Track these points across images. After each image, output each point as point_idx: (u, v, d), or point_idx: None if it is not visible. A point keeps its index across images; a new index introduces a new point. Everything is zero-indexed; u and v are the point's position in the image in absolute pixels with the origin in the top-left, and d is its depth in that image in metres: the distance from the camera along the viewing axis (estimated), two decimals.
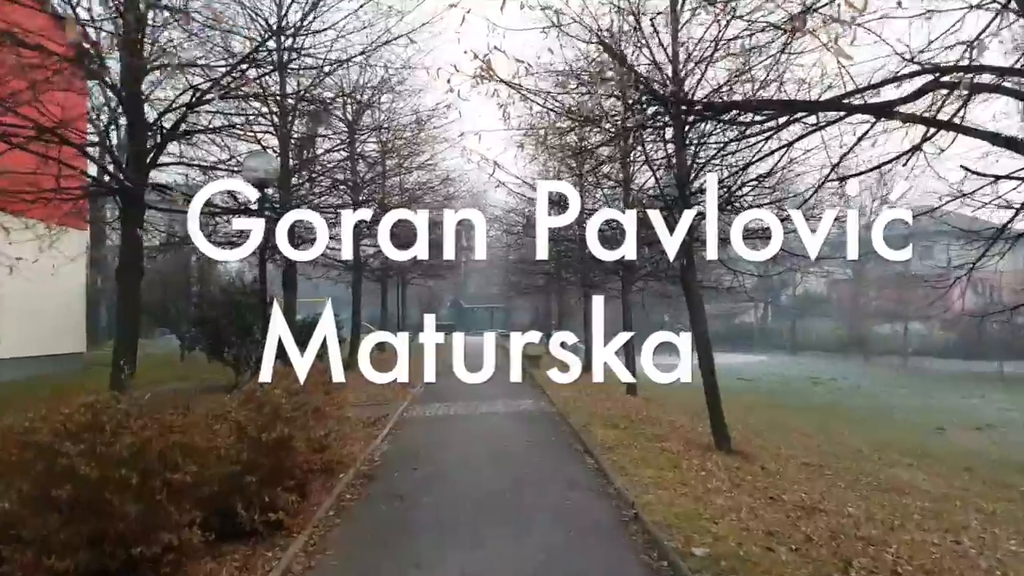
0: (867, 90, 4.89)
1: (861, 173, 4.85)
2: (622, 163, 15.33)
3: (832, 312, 59.11)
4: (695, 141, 10.41)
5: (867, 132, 4.86)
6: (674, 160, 10.66)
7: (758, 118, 5.32)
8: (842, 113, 4.93)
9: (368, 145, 21.70)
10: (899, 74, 4.83)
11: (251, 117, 10.47)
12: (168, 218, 17.33)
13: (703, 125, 9.85)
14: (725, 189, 10.26)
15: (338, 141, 18.02)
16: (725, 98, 7.03)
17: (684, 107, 5.47)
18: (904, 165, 4.80)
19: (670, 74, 9.25)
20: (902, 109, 4.76)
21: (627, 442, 9.90)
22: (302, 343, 16.13)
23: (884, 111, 4.51)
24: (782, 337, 59.10)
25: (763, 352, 54.10)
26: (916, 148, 4.64)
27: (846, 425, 19.99)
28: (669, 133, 10.52)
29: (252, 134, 12.71)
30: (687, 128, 9.89)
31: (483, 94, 5.71)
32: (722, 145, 9.79)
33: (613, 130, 7.43)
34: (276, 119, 14.66)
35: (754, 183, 9.79)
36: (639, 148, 10.98)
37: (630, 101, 5.61)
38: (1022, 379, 35.40)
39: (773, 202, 10.82)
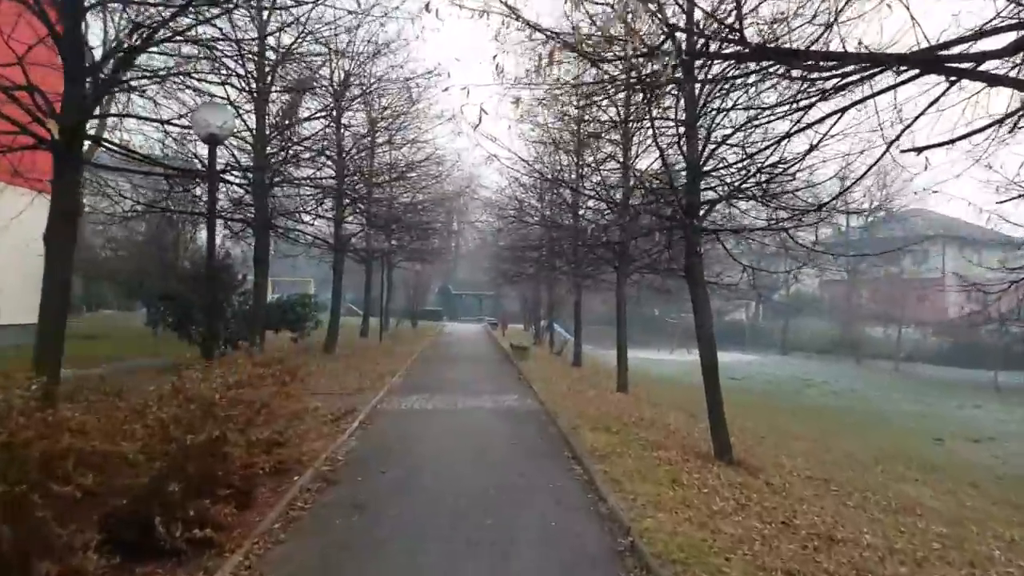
0: (947, 46, 3.87)
1: (945, 143, 3.85)
2: (624, 142, 14.28)
3: (824, 312, 58.64)
4: (716, 106, 9.32)
5: (945, 92, 3.86)
6: (682, 137, 9.64)
7: (813, 76, 4.31)
8: (916, 72, 3.92)
9: (357, 117, 20.60)
10: (989, 27, 3.81)
11: (217, 66, 9.23)
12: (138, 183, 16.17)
13: (723, 92, 8.82)
14: (743, 171, 9.23)
15: (321, 108, 16.82)
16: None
17: (727, 44, 4.39)
18: (1012, 132, 3.82)
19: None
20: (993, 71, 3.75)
21: (620, 449, 8.93)
22: (276, 324, 15.10)
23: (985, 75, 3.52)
24: (773, 337, 58.60)
25: (754, 351, 53.55)
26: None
27: (844, 432, 19.20)
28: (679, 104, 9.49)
29: (214, 86, 11.53)
30: (705, 89, 8.86)
31: (472, 17, 4.63)
32: (752, 114, 8.67)
33: (621, 78, 6.29)
34: (252, 76, 13.52)
35: (784, 164, 8.64)
36: (646, 119, 9.87)
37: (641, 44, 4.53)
38: (1017, 390, 34.86)
39: (793, 191, 9.79)
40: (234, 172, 12.71)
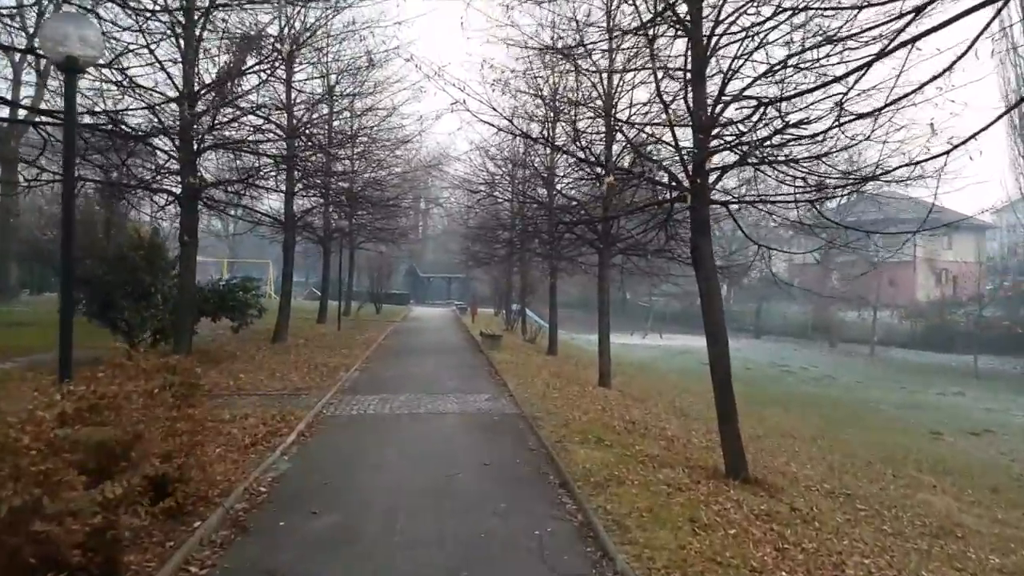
0: None
1: None
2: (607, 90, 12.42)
3: (796, 296, 58.03)
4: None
5: None
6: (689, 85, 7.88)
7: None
8: None
9: (309, 84, 18.45)
10: None
11: None
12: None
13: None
14: (765, 126, 7.47)
15: (265, 60, 14.59)
16: None
17: None
18: None
19: None
20: None
21: (619, 472, 7.21)
22: (213, 311, 12.95)
23: None
24: (745, 320, 57.87)
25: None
26: None
27: (838, 427, 17.89)
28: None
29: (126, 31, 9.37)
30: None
31: None
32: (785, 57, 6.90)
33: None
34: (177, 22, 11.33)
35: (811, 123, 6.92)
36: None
37: None
38: (997, 375, 34.31)
39: (819, 156, 8.05)
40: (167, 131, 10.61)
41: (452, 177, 30.90)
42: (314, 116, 17.21)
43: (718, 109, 7.93)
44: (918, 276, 52.68)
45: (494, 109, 9.34)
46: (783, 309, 56.82)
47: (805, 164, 7.56)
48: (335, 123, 20.15)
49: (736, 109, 7.92)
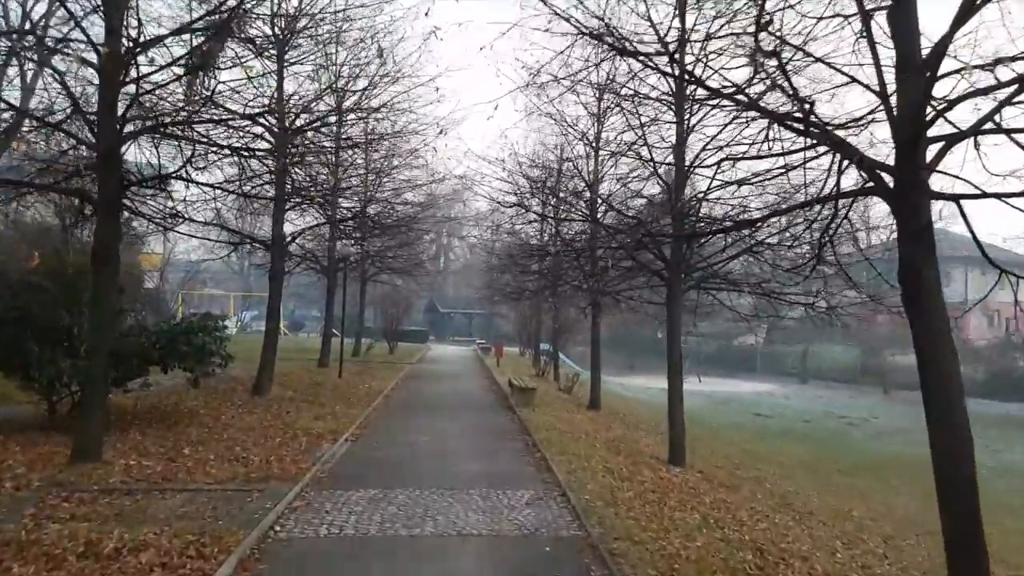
0: None
1: None
2: None
3: (837, 337, 53.39)
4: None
5: None
6: None
7: None
8: None
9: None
10: None
11: None
12: None
13: None
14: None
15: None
16: None
17: None
18: None
19: None
20: None
21: None
22: (161, 359, 9.38)
23: None
24: (787, 363, 53.47)
25: (768, 378, 48.09)
26: None
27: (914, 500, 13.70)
28: None
29: None
30: None
31: None
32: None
33: None
34: None
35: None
36: None
37: None
38: None
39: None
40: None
41: (474, 213, 27.75)
42: (314, 121, 13.72)
43: None
44: (970, 318, 48.43)
45: None
46: (826, 352, 52.20)
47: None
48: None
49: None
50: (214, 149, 9.79)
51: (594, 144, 15.51)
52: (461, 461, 9.71)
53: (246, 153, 9.80)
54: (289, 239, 14.90)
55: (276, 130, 13.08)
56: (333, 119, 14.27)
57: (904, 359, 46.19)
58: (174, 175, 8.79)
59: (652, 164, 11.10)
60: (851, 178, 5.54)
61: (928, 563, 8.40)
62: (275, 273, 14.98)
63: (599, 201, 14.27)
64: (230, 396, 14.18)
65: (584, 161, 16.05)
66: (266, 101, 12.76)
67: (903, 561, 8.38)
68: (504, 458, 10.11)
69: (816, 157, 6.13)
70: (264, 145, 12.06)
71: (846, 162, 5.10)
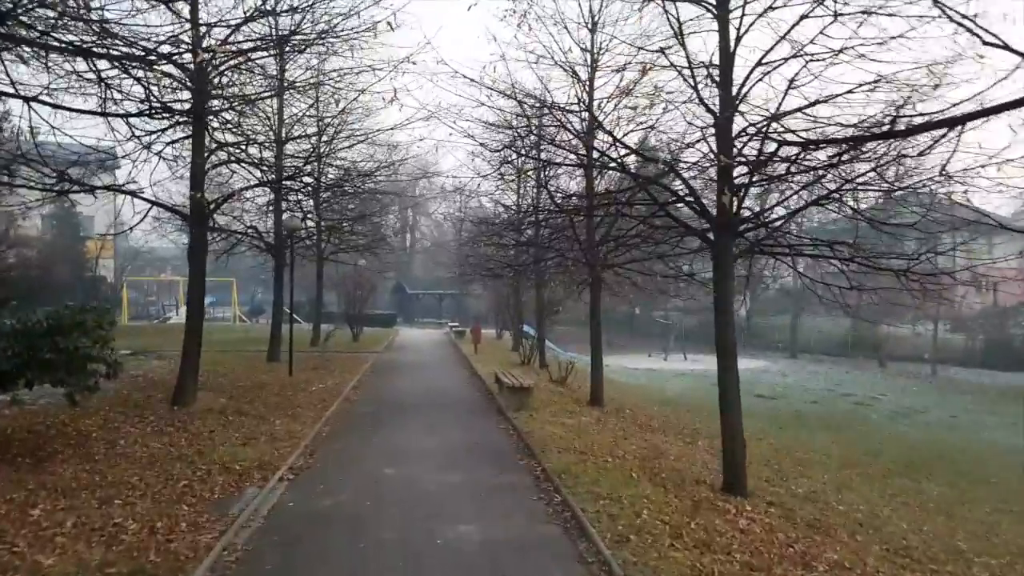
0: None
1: None
2: None
3: (821, 309, 51.20)
4: None
5: None
6: None
7: None
8: None
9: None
10: None
11: None
12: None
13: None
14: None
15: None
16: None
17: None
18: None
19: None
20: None
21: None
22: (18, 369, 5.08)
23: None
24: (773, 336, 51.40)
25: (756, 354, 45.63)
26: None
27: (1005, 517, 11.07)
28: None
29: None
30: None
31: None
32: None
33: None
34: None
35: None
36: None
37: None
38: None
39: None
40: None
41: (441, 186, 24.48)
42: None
43: None
44: (959, 285, 46.78)
45: None
46: (812, 323, 49.89)
47: None
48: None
49: None
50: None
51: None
52: (446, 517, 6.60)
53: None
54: (212, 205, 11.52)
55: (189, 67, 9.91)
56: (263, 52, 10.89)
57: (897, 330, 44.38)
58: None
59: (690, 70, 7.90)
60: None
61: None
62: (194, 250, 11.64)
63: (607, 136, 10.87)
64: (142, 409, 10.93)
65: (578, 86, 12.94)
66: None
67: None
68: (508, 508, 7.02)
69: None
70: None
71: None
